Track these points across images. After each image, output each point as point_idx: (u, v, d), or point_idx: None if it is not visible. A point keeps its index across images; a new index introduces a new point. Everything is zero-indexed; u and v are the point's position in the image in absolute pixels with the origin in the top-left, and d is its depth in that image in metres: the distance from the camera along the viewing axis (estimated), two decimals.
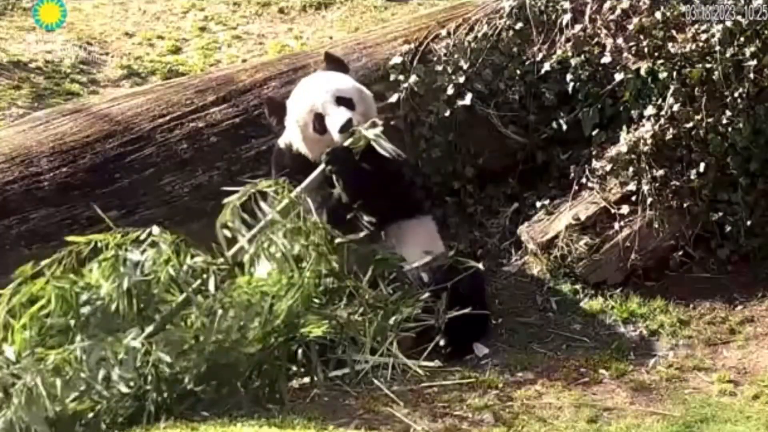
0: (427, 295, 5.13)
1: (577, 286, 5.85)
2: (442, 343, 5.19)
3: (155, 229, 4.75)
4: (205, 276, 4.71)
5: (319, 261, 4.82)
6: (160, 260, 4.66)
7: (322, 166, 5.26)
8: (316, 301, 4.82)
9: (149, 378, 4.47)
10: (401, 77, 6.19)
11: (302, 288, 4.74)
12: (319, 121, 5.45)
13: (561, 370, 5.22)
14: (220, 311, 4.61)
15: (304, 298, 4.75)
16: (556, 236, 5.90)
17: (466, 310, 5.18)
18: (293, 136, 5.56)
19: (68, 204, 5.74)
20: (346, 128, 5.34)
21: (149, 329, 4.57)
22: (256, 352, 4.66)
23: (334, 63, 5.72)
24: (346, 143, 5.29)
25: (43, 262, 4.67)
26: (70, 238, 4.76)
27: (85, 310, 4.58)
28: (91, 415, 4.41)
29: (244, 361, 4.64)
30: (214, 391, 4.57)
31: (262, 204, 4.91)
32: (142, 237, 4.72)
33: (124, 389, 4.41)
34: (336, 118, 5.39)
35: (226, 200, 4.91)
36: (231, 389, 4.61)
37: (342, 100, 5.44)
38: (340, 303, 4.91)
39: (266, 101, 5.77)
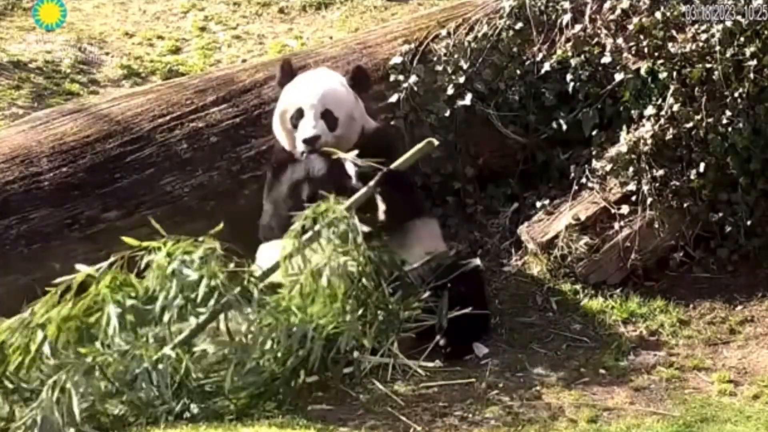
0: (427, 295, 5.13)
1: (577, 286, 5.84)
2: (442, 343, 5.19)
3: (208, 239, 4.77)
4: (247, 285, 4.73)
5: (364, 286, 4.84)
6: (208, 273, 4.67)
7: (371, 184, 5.14)
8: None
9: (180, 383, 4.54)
10: (401, 77, 6.19)
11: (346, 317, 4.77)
12: (297, 116, 5.47)
13: (561, 370, 5.22)
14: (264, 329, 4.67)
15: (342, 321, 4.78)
16: (556, 236, 5.90)
17: (467, 310, 5.18)
18: (275, 113, 5.58)
19: (68, 204, 5.73)
20: (309, 143, 5.36)
21: (180, 337, 4.61)
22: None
23: (358, 78, 5.63)
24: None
25: (95, 267, 4.67)
26: (127, 240, 4.73)
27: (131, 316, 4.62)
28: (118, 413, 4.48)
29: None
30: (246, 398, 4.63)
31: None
32: (193, 244, 4.75)
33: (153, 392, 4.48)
34: (307, 129, 5.40)
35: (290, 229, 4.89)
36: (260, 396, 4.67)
37: (327, 115, 5.44)
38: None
39: (283, 62, 5.75)
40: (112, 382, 4.46)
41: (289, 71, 5.67)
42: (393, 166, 5.19)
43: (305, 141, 5.38)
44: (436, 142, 5.25)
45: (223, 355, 4.65)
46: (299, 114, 5.47)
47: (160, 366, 4.50)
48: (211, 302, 4.63)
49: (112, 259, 4.71)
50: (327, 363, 4.80)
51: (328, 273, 4.74)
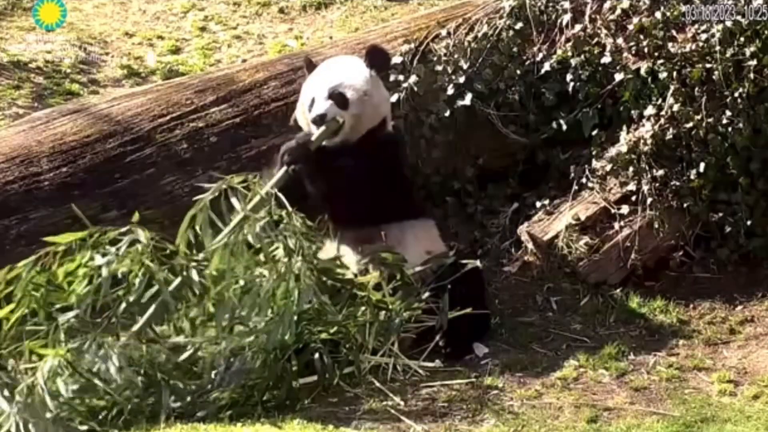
0: (427, 295, 5.14)
1: (577, 286, 5.84)
2: (442, 343, 5.19)
3: (134, 227, 4.75)
4: (185, 273, 4.71)
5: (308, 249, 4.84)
6: (137, 260, 4.66)
7: (283, 162, 5.27)
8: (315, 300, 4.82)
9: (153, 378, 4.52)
10: (401, 77, 6.19)
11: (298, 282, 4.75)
12: (311, 105, 5.51)
13: (561, 370, 5.22)
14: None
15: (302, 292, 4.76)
16: (556, 236, 5.90)
17: (467, 310, 5.18)
18: (298, 107, 5.63)
19: (68, 204, 5.72)
20: (316, 123, 5.41)
21: (134, 328, 4.59)
22: (266, 353, 4.68)
23: (373, 57, 5.64)
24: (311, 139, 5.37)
25: (20, 263, 4.68)
26: (48, 239, 4.75)
27: (60, 312, 4.61)
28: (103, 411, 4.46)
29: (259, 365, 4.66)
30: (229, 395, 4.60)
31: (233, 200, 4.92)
32: (120, 235, 4.73)
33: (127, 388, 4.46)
34: (314, 110, 5.44)
35: (197, 197, 4.91)
36: (246, 392, 4.65)
37: (336, 96, 5.45)
38: (345, 302, 4.93)
39: (306, 59, 5.81)
40: (85, 377, 4.45)
41: (311, 67, 5.71)
42: (309, 140, 5.33)
43: (312, 121, 5.44)
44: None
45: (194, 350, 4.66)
46: (312, 103, 5.50)
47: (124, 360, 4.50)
48: (146, 292, 4.63)
49: (35, 256, 4.71)
50: (326, 363, 4.81)
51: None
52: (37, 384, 4.34)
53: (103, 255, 4.66)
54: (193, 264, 4.73)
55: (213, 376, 4.61)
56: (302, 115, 5.60)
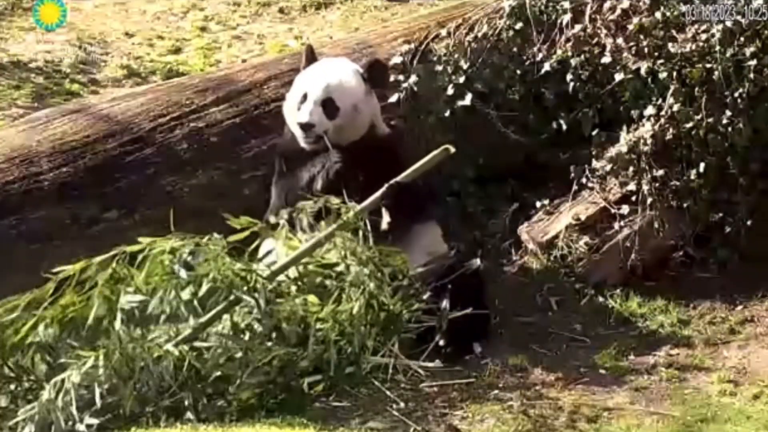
0: (428, 295, 5.13)
1: (577, 286, 5.84)
2: (442, 343, 5.19)
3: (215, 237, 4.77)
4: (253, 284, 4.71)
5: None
6: (216, 270, 4.67)
7: (380, 192, 5.14)
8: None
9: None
10: (401, 77, 6.19)
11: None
12: (301, 101, 5.49)
13: (561, 370, 5.22)
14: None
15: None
16: (556, 236, 5.90)
17: (467, 310, 5.18)
18: (286, 102, 5.60)
19: (68, 204, 5.74)
20: (303, 129, 5.39)
21: (184, 334, 4.60)
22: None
23: (373, 71, 5.61)
24: None
25: (96, 259, 4.66)
26: (129, 248, 4.72)
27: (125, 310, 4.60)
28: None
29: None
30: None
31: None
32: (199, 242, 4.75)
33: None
34: (304, 113, 5.42)
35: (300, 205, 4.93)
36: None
37: (328, 103, 5.44)
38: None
39: (307, 47, 5.79)
40: (117, 376, 4.44)
41: (311, 57, 5.69)
42: (402, 176, 5.18)
43: (299, 125, 5.41)
44: (452, 149, 5.23)
45: (228, 352, 4.65)
46: (303, 99, 5.48)
47: (164, 363, 4.48)
48: (217, 300, 4.62)
49: (114, 251, 4.70)
50: (331, 363, 4.81)
51: (350, 277, 4.76)
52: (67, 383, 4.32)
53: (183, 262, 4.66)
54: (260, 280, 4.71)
55: (239, 376, 4.60)
56: (288, 111, 5.57)
